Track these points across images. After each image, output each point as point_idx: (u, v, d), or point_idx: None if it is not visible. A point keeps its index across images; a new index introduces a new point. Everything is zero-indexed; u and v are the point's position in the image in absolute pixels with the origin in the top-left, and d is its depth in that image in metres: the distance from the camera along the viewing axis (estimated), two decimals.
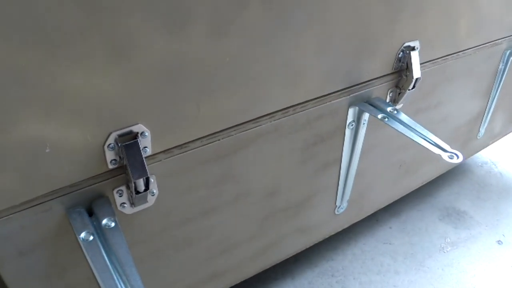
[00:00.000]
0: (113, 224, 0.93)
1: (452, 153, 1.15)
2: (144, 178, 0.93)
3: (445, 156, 1.15)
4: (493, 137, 2.24)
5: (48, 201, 0.91)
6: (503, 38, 1.73)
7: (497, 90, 1.93)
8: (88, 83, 0.81)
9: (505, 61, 1.83)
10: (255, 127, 1.13)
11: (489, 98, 1.94)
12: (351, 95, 1.30)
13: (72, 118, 0.83)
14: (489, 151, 2.66)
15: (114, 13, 0.78)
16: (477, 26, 1.57)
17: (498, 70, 1.85)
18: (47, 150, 0.83)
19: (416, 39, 1.35)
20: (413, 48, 1.34)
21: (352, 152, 1.44)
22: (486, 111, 1.98)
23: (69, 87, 0.79)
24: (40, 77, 0.76)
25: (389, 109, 1.27)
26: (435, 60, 1.51)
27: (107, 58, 0.81)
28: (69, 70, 0.78)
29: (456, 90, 1.70)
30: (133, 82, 0.87)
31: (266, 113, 1.14)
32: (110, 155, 0.91)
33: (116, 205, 1.00)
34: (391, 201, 1.91)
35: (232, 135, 1.10)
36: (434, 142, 1.18)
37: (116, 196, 0.99)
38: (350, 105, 1.32)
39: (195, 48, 0.91)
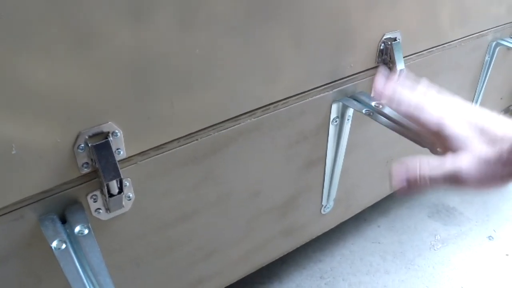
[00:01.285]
0: (86, 231, 0.88)
1: None
2: (118, 179, 0.89)
3: (433, 150, 1.11)
4: None
5: (18, 208, 0.86)
6: (489, 29, 1.70)
7: (483, 83, 1.90)
8: (50, 76, 0.76)
9: (491, 53, 1.80)
10: (234, 125, 1.09)
11: (475, 92, 1.91)
12: (334, 90, 1.26)
13: (37, 116, 0.78)
14: None
15: None
16: (462, 16, 1.54)
17: (484, 62, 1.83)
18: (13, 152, 0.78)
19: (397, 30, 1.31)
20: (394, 39, 1.31)
21: (337, 149, 1.41)
22: (472, 105, 1.95)
23: (30, 80, 0.74)
24: None
25: (373, 103, 1.23)
26: (420, 53, 1.48)
27: (69, 48, 0.76)
28: (28, 60, 0.73)
29: (443, 84, 1.65)
30: (100, 76, 0.82)
31: (245, 111, 1.10)
32: (81, 158, 0.87)
33: (91, 211, 0.96)
34: (379, 199, 1.88)
35: (211, 134, 1.06)
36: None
37: (91, 201, 0.94)
38: (334, 100, 1.28)
39: (162, 38, 0.86)
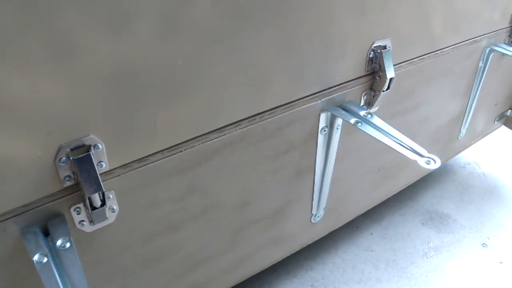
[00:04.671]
0: (68, 245, 0.88)
1: (429, 158, 1.11)
2: (100, 192, 0.88)
3: (421, 161, 1.11)
4: (475, 137, 2.21)
5: (0, 222, 0.85)
6: (483, 35, 1.70)
7: (477, 89, 1.90)
8: (29, 88, 0.75)
9: (484, 59, 1.80)
10: (219, 137, 1.09)
11: (469, 98, 1.91)
12: (323, 100, 1.26)
13: (16, 129, 0.77)
14: (471, 151, 2.64)
15: (49, 8, 0.72)
16: (454, 23, 1.54)
17: (478, 68, 1.83)
18: None
19: (387, 38, 1.31)
20: (384, 47, 1.30)
21: (326, 159, 1.40)
22: (467, 111, 1.95)
23: (7, 93, 0.74)
24: None
25: (362, 113, 1.23)
26: (412, 60, 1.47)
27: (48, 60, 0.75)
28: (4, 71, 0.72)
29: (436, 91, 1.67)
30: (80, 89, 0.81)
31: (230, 122, 1.09)
32: (63, 171, 0.86)
33: (74, 223, 0.95)
34: (371, 207, 1.87)
35: (195, 146, 1.05)
36: (410, 147, 1.14)
37: (74, 214, 0.94)
38: (322, 110, 1.27)
39: (142, 50, 0.86)
